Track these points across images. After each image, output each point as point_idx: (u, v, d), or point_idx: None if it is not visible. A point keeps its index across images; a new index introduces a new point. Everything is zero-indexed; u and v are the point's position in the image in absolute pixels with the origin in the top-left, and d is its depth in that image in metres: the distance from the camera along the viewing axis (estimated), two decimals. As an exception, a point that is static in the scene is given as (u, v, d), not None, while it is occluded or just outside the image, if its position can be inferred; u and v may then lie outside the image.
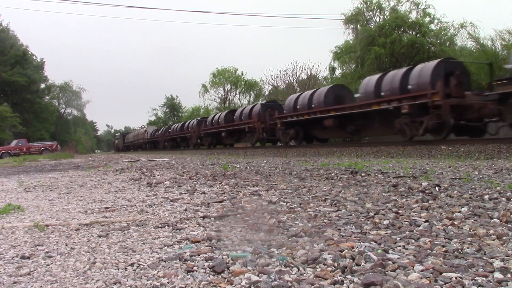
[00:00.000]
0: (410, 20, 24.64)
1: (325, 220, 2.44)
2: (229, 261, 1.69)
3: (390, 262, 1.59)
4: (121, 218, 2.72)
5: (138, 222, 2.58)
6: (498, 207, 2.59)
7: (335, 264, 1.60)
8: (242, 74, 46.92)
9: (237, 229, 2.27)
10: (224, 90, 47.49)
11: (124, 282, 1.51)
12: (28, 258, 1.87)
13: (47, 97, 51.76)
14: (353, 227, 2.26)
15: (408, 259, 1.65)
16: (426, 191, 3.34)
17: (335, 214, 2.59)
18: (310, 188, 3.87)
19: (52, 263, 1.78)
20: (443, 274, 1.46)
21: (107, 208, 3.21)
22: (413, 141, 11.11)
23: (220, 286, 1.44)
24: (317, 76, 35.83)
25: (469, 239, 1.91)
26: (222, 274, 1.55)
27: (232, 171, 6.19)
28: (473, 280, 1.40)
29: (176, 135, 30.61)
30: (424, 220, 2.34)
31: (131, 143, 48.26)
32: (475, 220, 2.30)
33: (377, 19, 26.87)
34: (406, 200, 3.02)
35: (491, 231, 2.02)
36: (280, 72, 38.93)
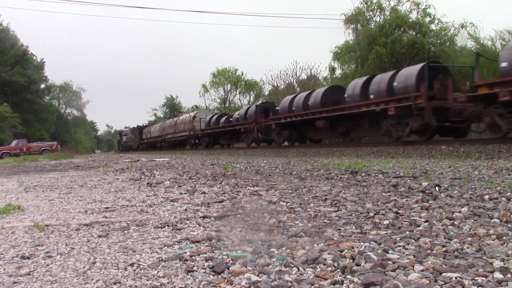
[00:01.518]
0: (410, 20, 24.63)
1: (325, 220, 2.44)
2: (229, 261, 1.69)
3: (390, 262, 1.59)
4: (121, 218, 2.72)
5: (138, 222, 2.58)
6: (498, 207, 2.59)
7: (335, 264, 1.60)
8: (242, 74, 47.01)
9: (237, 229, 2.27)
10: (224, 90, 47.56)
11: (124, 282, 1.51)
12: (28, 258, 1.87)
13: (47, 97, 51.78)
14: (353, 227, 2.26)
15: (408, 259, 1.65)
16: (426, 191, 3.34)
17: (335, 214, 2.59)
18: (310, 188, 3.87)
19: (52, 263, 1.78)
20: (443, 274, 1.46)
21: (107, 208, 3.21)
22: (413, 141, 11.19)
23: (220, 286, 1.44)
24: (317, 76, 35.86)
25: (469, 239, 1.91)
26: (222, 274, 1.55)
27: (232, 171, 6.19)
28: (473, 280, 1.40)
29: (308, 115, 14.85)
30: (424, 220, 2.34)
31: (158, 139, 33.45)
32: (475, 220, 2.30)
33: (378, 19, 26.85)
34: (406, 200, 3.02)
35: (491, 231, 2.02)
36: (280, 72, 38.97)
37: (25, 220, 2.82)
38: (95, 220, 2.67)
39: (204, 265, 1.65)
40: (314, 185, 4.06)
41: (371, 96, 12.23)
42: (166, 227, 2.42)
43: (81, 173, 7.93)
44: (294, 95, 17.88)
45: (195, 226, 2.40)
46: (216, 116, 25.74)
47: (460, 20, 25.30)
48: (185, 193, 3.87)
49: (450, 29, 24.65)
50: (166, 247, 1.97)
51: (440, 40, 24.20)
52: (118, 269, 1.67)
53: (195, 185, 4.52)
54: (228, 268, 1.60)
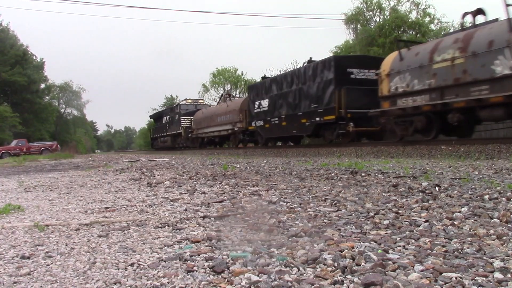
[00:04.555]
0: (410, 20, 24.68)
1: (325, 220, 2.44)
2: (229, 261, 1.69)
3: (390, 262, 1.59)
4: (121, 218, 2.72)
5: (138, 222, 2.58)
6: (498, 207, 2.59)
7: (335, 264, 1.60)
8: (242, 74, 47.02)
9: (237, 229, 2.27)
10: (224, 90, 47.54)
11: (124, 282, 1.51)
12: (28, 258, 1.87)
13: (47, 97, 51.84)
14: (353, 227, 2.26)
15: (408, 259, 1.65)
16: (426, 191, 3.34)
17: (335, 214, 2.59)
18: (310, 188, 3.87)
19: (52, 263, 1.78)
20: (443, 274, 1.46)
21: (107, 208, 3.21)
22: (414, 141, 11.20)
23: (220, 286, 1.44)
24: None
25: (469, 239, 1.91)
26: (222, 274, 1.55)
27: (232, 171, 6.19)
28: (473, 280, 1.40)
29: None
30: (424, 220, 2.34)
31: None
32: (475, 220, 2.30)
33: (377, 19, 26.89)
34: (406, 200, 3.02)
35: (491, 231, 2.02)
36: (280, 72, 38.95)
37: (25, 220, 2.82)
38: (95, 220, 2.67)
39: (204, 265, 1.65)
40: (314, 185, 4.06)
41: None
42: (166, 227, 2.42)
43: (81, 173, 7.93)
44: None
45: (195, 226, 2.40)
46: None
47: (460, 20, 25.34)
48: (185, 193, 3.87)
49: (450, 29, 24.67)
50: (166, 247, 1.97)
51: (440, 40, 24.21)
52: (118, 269, 1.67)
53: (195, 185, 4.52)
54: (228, 268, 1.60)
